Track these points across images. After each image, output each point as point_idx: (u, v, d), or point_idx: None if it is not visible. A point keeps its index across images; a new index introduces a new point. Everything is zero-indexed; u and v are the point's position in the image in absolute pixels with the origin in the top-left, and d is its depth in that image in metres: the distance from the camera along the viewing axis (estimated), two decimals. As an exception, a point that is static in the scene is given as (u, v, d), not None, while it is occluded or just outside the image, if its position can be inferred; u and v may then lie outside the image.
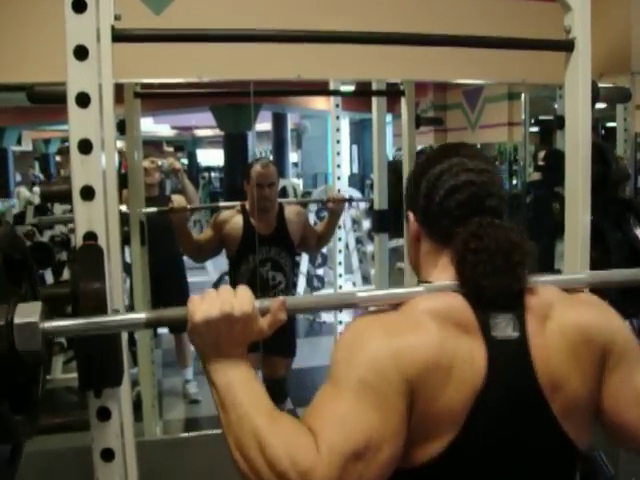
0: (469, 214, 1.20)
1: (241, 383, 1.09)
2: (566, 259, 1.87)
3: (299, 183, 11.24)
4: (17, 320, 1.09)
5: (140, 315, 1.16)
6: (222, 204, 4.16)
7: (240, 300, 1.11)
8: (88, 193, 1.24)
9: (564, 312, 1.19)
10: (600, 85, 2.00)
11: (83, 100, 1.25)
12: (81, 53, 1.25)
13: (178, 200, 3.61)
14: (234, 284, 3.09)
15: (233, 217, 3.53)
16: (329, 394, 1.09)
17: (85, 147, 1.25)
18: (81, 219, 1.26)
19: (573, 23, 1.78)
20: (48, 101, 1.53)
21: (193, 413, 4.73)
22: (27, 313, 1.10)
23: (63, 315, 1.29)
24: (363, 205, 6.84)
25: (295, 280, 3.74)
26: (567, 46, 1.79)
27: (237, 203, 3.63)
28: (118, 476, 1.29)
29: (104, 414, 1.28)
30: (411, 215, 1.30)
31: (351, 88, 4.48)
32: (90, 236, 1.24)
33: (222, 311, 1.08)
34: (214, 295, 1.11)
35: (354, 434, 1.03)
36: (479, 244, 1.16)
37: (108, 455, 1.29)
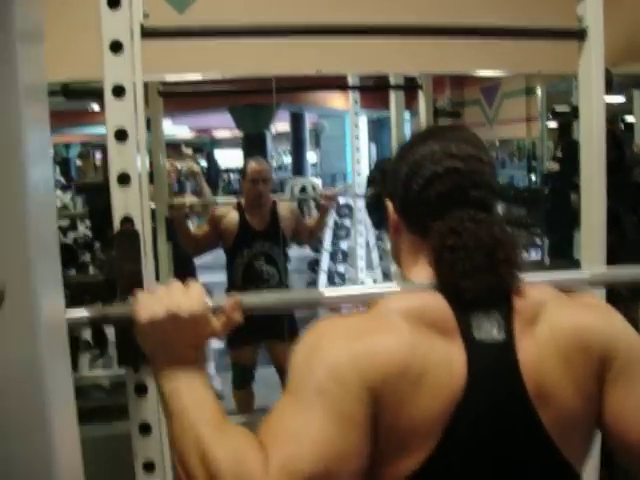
0: (450, 206, 1.09)
1: (188, 390, 1.01)
2: (582, 246, 1.91)
3: (318, 182, 11.30)
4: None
5: (82, 313, 1.09)
6: (219, 200, 4.30)
7: (190, 299, 1.03)
8: (124, 179, 1.32)
9: (557, 314, 1.06)
10: (613, 73, 2.05)
11: (118, 91, 1.33)
12: (116, 47, 1.33)
13: (180, 200, 3.77)
14: (230, 277, 3.19)
15: (229, 213, 3.69)
16: (286, 405, 0.97)
17: (121, 136, 1.32)
18: (118, 204, 1.33)
19: (585, 12, 1.83)
20: (83, 96, 1.60)
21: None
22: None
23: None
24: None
25: (287, 273, 3.83)
26: (580, 35, 1.84)
27: (232, 199, 3.78)
28: (155, 449, 1.36)
29: (141, 389, 1.35)
30: (390, 204, 1.18)
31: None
32: (127, 220, 1.32)
33: (169, 311, 1.01)
34: (162, 293, 1.04)
35: (310, 452, 0.91)
36: (457, 241, 1.05)
37: (146, 429, 1.35)
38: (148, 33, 1.52)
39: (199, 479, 0.92)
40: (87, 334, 4.35)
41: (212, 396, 1.02)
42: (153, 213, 3.28)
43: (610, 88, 1.93)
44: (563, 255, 3.22)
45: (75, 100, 1.66)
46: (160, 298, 1.03)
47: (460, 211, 1.08)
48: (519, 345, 1.03)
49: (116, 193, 1.33)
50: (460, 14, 2.37)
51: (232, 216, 3.68)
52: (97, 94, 1.40)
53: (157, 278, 3.62)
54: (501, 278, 1.05)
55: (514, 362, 1.02)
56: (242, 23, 1.79)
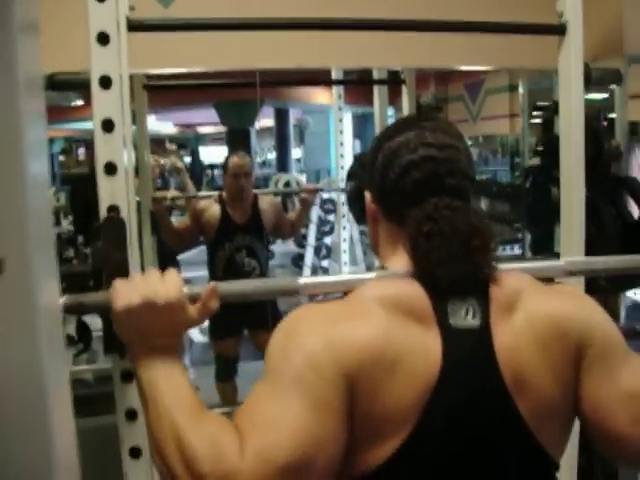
0: (427, 194, 1.09)
1: (165, 378, 1.01)
2: (562, 238, 1.94)
3: (302, 178, 11.34)
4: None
5: (57, 301, 1.07)
6: (201, 194, 4.32)
7: (166, 286, 1.04)
8: (111, 169, 1.34)
9: (534, 302, 1.07)
10: (592, 68, 2.08)
11: (105, 83, 1.34)
12: (103, 39, 1.34)
13: (162, 193, 3.79)
14: (212, 270, 3.21)
15: (210, 206, 3.73)
16: (262, 392, 0.98)
17: (108, 126, 1.34)
18: (105, 193, 1.35)
19: (565, 7, 1.86)
20: (69, 88, 1.61)
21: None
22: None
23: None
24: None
25: (268, 266, 3.88)
26: (559, 30, 1.87)
27: (214, 193, 3.80)
28: (142, 435, 1.38)
29: (127, 376, 1.37)
30: (367, 194, 1.19)
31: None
32: (113, 209, 1.33)
33: (145, 298, 1.02)
34: (139, 280, 1.05)
35: (287, 438, 0.91)
36: (433, 227, 1.05)
37: (132, 415, 1.37)
38: (134, 26, 1.53)
39: (175, 465, 0.91)
40: (71, 329, 4.35)
41: (188, 384, 1.02)
42: (138, 206, 3.29)
43: (589, 83, 1.97)
44: (544, 249, 3.26)
45: (61, 92, 1.67)
46: (136, 286, 1.03)
47: (436, 198, 1.08)
48: (495, 332, 1.03)
49: (103, 183, 1.35)
50: (443, 10, 2.40)
51: (214, 209, 3.72)
52: (83, 86, 1.41)
53: (142, 270, 3.65)
54: (477, 265, 1.05)
55: (490, 349, 1.02)
56: (226, 17, 1.81)
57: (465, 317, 1.03)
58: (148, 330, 1.03)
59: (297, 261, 7.41)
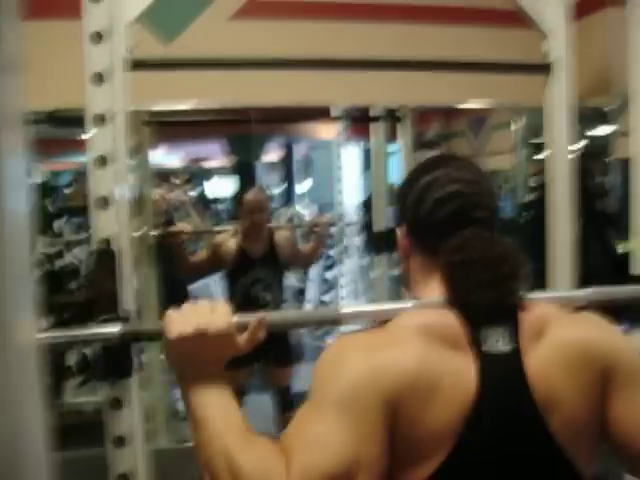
0: (456, 226, 1.14)
1: (215, 402, 1.06)
2: (550, 272, 1.98)
3: (304, 213, 11.43)
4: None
5: (115, 329, 1.16)
6: (217, 228, 4.35)
7: (217, 317, 1.08)
8: (103, 202, 1.39)
9: (561, 328, 1.11)
10: (578, 107, 2.13)
11: (100, 120, 1.40)
12: (98, 79, 1.40)
13: (181, 227, 3.81)
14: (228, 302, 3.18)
15: (227, 240, 3.74)
16: (306, 415, 1.02)
17: (101, 162, 1.40)
18: (97, 226, 1.40)
19: (550, 48, 1.92)
20: (69, 124, 1.67)
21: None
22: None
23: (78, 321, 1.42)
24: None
25: (283, 300, 3.90)
26: (545, 69, 1.93)
27: (230, 227, 3.83)
28: (129, 462, 1.41)
29: (116, 403, 1.40)
30: (400, 230, 1.24)
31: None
32: (105, 241, 1.38)
33: (197, 328, 1.06)
34: (191, 310, 1.09)
35: (330, 459, 0.95)
36: (463, 257, 1.10)
37: (120, 442, 1.40)
38: (133, 65, 1.60)
39: None
40: (71, 360, 4.38)
41: (236, 407, 1.07)
42: (139, 239, 3.35)
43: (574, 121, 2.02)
44: (542, 286, 3.27)
45: (61, 127, 1.73)
46: (189, 316, 1.07)
47: (465, 230, 1.13)
48: (525, 357, 1.07)
49: (96, 216, 1.39)
50: (435, 50, 2.47)
51: (230, 243, 3.75)
52: (81, 122, 1.47)
53: (143, 301, 3.70)
54: (505, 293, 1.09)
55: (521, 372, 1.06)
56: (224, 55, 1.87)
57: (497, 343, 1.07)
58: (198, 357, 1.07)
59: (298, 296, 7.43)
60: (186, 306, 1.10)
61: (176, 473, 2.47)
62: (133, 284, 1.50)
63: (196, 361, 1.07)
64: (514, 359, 1.07)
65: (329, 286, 7.32)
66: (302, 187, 14.08)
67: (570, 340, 1.10)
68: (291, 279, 8.43)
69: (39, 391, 0.90)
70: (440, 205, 1.16)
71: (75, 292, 4.82)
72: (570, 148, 1.96)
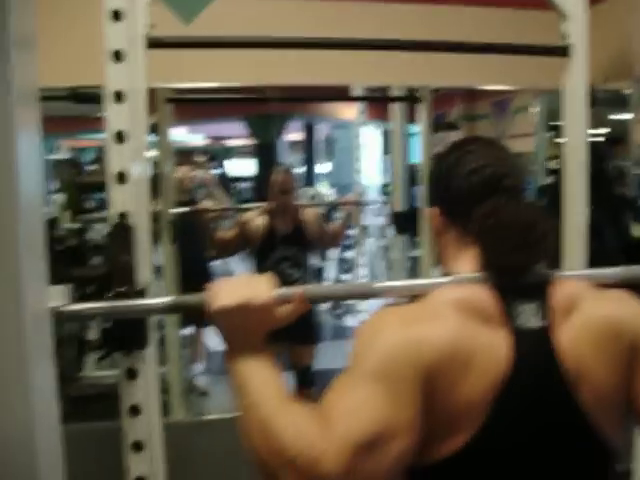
0: (487, 195, 1.18)
1: (257, 371, 1.10)
2: (565, 254, 1.99)
3: (327, 192, 11.43)
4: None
5: (162, 300, 1.21)
6: (246, 206, 4.39)
7: (259, 290, 1.12)
8: (122, 178, 1.42)
9: (591, 305, 1.15)
10: (598, 89, 2.13)
11: (118, 97, 1.43)
12: (117, 57, 1.43)
13: (207, 205, 3.86)
14: None
15: (254, 218, 3.78)
16: (345, 383, 1.07)
17: (119, 138, 1.43)
18: (115, 200, 1.43)
19: (569, 30, 1.91)
20: (90, 101, 1.70)
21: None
22: (54, 296, 1.08)
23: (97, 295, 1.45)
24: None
25: (311, 276, 3.95)
26: (564, 51, 1.92)
27: (260, 205, 3.87)
28: (144, 430, 1.46)
29: (132, 374, 1.45)
30: (433, 210, 1.29)
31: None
32: (122, 216, 1.42)
33: (239, 300, 1.09)
34: (234, 283, 1.13)
35: (367, 424, 1.01)
36: (495, 222, 1.14)
37: (135, 411, 1.45)
38: (152, 43, 1.62)
39: (268, 449, 1.02)
40: (93, 334, 4.45)
41: (277, 376, 1.11)
42: (158, 216, 3.40)
43: (593, 104, 2.01)
44: (558, 266, 3.27)
45: (83, 104, 1.76)
46: (232, 289, 1.11)
47: (496, 197, 1.17)
48: (557, 332, 1.11)
49: (114, 191, 1.43)
50: (455, 32, 2.46)
51: (258, 221, 3.81)
52: (102, 99, 1.50)
53: (160, 277, 3.75)
54: (537, 255, 1.14)
55: (552, 347, 1.10)
56: (241, 35, 1.88)
57: (529, 319, 1.11)
58: (241, 328, 1.11)
59: (317, 275, 7.46)
60: (230, 279, 1.14)
61: (190, 445, 2.53)
62: (149, 258, 1.54)
63: (239, 332, 1.11)
64: (545, 335, 1.11)
65: (348, 266, 7.35)
66: (323, 167, 14.10)
67: (599, 316, 1.13)
68: (312, 258, 8.45)
69: (51, 358, 0.94)
70: (470, 176, 1.21)
71: (97, 267, 4.87)
72: (586, 131, 1.96)
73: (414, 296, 1.18)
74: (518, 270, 1.14)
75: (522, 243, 1.12)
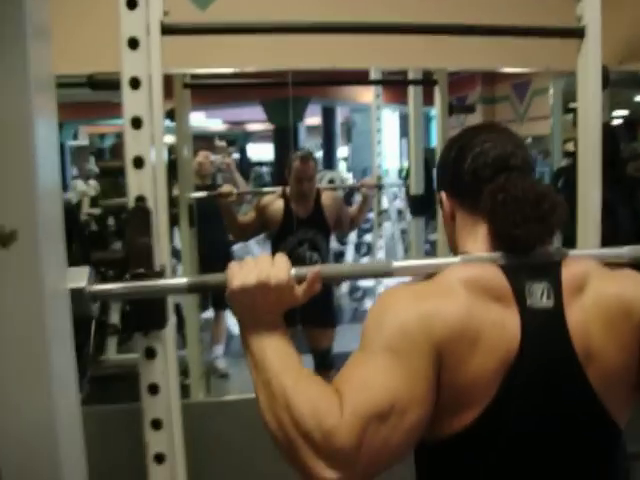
0: (495, 174, 1.21)
1: (273, 347, 1.12)
2: (578, 233, 2.00)
3: (346, 176, 11.44)
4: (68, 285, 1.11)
5: (182, 280, 1.25)
6: (265, 189, 4.42)
7: (277, 269, 1.14)
8: (139, 162, 1.46)
9: (602, 283, 1.17)
10: (612, 70, 2.12)
11: (135, 83, 1.46)
12: (133, 43, 1.46)
13: (227, 188, 3.89)
14: None
15: (274, 201, 3.82)
16: (358, 358, 1.10)
17: (136, 123, 1.46)
18: (133, 185, 1.47)
19: (584, 11, 1.91)
20: (107, 87, 1.73)
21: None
22: (76, 277, 1.13)
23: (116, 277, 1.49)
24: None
25: (330, 259, 3.97)
26: (579, 33, 1.92)
27: (278, 189, 3.89)
28: (163, 408, 1.50)
29: (150, 352, 1.49)
30: (443, 194, 1.32)
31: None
32: (140, 199, 1.45)
33: (258, 279, 1.12)
34: (252, 263, 1.15)
35: (379, 397, 1.03)
36: (506, 195, 1.16)
37: (154, 389, 1.49)
38: (167, 30, 1.65)
39: (284, 422, 1.04)
40: (115, 317, 4.52)
41: (293, 352, 1.14)
42: (177, 200, 3.44)
43: (607, 85, 2.01)
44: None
45: (100, 90, 1.79)
46: (250, 268, 1.14)
47: (505, 174, 1.20)
48: (567, 311, 1.13)
49: (131, 175, 1.47)
50: (469, 14, 2.46)
51: (277, 204, 3.83)
52: (119, 85, 1.53)
53: (179, 260, 3.78)
54: (549, 227, 1.16)
55: (563, 326, 1.12)
56: (257, 21, 1.90)
57: (540, 298, 1.13)
58: (258, 307, 1.14)
59: (338, 258, 7.49)
60: (248, 259, 1.17)
61: (209, 425, 2.58)
62: (167, 241, 1.57)
63: (256, 310, 1.14)
64: (556, 313, 1.13)
65: (367, 249, 7.38)
66: (343, 151, 14.09)
67: (610, 295, 1.15)
68: (331, 242, 8.49)
69: (70, 339, 0.98)
70: (478, 158, 1.24)
71: (117, 251, 4.91)
72: (600, 113, 1.96)
73: (428, 276, 1.20)
74: (530, 242, 1.16)
75: (533, 216, 1.14)
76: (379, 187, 4.71)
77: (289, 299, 1.16)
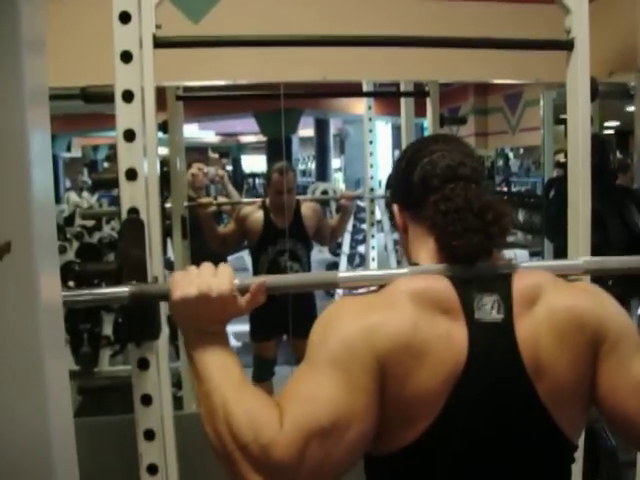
0: (443, 183, 1.19)
1: (215, 359, 1.11)
2: (569, 245, 2.01)
3: (339, 188, 11.46)
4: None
5: (124, 289, 1.23)
6: (245, 200, 4.44)
7: (219, 279, 1.12)
8: (132, 174, 1.47)
9: (554, 297, 1.14)
10: (601, 82, 2.14)
11: (127, 96, 1.48)
12: (126, 57, 1.48)
13: (205, 199, 3.91)
14: (256, 273, 3.35)
15: (254, 212, 3.84)
16: (301, 372, 1.08)
17: (129, 136, 1.48)
18: (126, 196, 1.48)
19: (572, 24, 1.93)
20: (100, 100, 1.74)
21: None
22: None
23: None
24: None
25: (310, 269, 3.98)
26: (567, 46, 1.94)
27: (258, 200, 3.90)
28: (155, 419, 1.50)
29: (143, 364, 1.49)
30: (395, 207, 1.30)
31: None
32: (133, 211, 1.46)
33: (199, 290, 1.10)
34: (195, 273, 1.13)
35: (320, 410, 1.01)
36: (449, 205, 1.15)
37: (147, 400, 1.49)
38: (160, 43, 1.66)
39: (223, 434, 1.03)
40: (108, 329, 4.51)
41: (235, 363, 1.12)
42: (170, 212, 3.45)
43: (595, 97, 2.03)
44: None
45: (93, 103, 1.81)
46: (192, 279, 1.12)
47: (452, 184, 1.19)
48: (517, 324, 1.11)
49: (124, 187, 1.48)
50: (460, 27, 2.49)
51: (257, 215, 3.84)
52: (112, 98, 1.55)
53: (177, 271, 3.78)
54: (492, 237, 1.14)
55: (513, 340, 1.10)
56: (248, 34, 1.92)
57: (490, 312, 1.11)
58: (201, 317, 1.12)
59: (332, 269, 7.50)
60: (191, 269, 1.15)
61: (201, 437, 2.56)
62: (161, 253, 1.58)
63: (199, 321, 1.12)
64: (505, 327, 1.10)
65: (360, 260, 7.39)
66: (337, 162, 14.12)
67: (562, 308, 1.13)
68: (325, 253, 8.51)
69: (63, 351, 0.98)
70: (426, 167, 1.23)
71: (111, 262, 4.91)
72: (589, 124, 1.98)
73: (377, 287, 1.19)
74: (471, 253, 1.14)
75: (474, 226, 1.13)
76: (360, 198, 4.71)
77: (232, 310, 1.15)
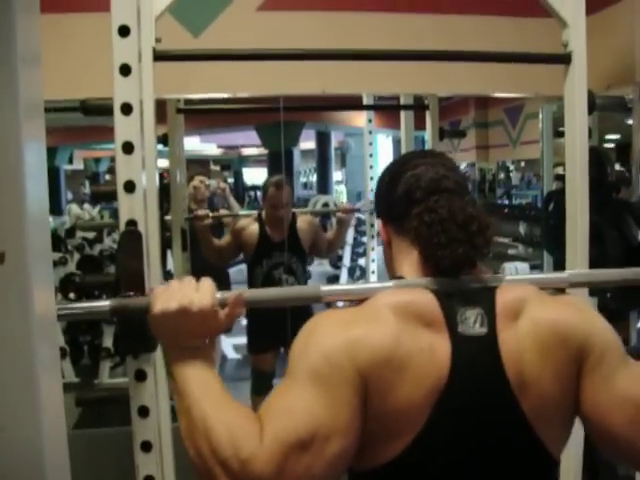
0: (428, 196, 1.19)
1: (195, 373, 1.09)
2: (567, 256, 2.02)
3: (340, 200, 11.48)
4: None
5: (105, 303, 1.21)
6: (241, 213, 4.45)
7: (201, 294, 1.11)
8: (130, 187, 1.47)
9: (538, 310, 1.13)
10: (599, 95, 2.15)
11: (126, 109, 1.49)
12: (125, 70, 1.49)
13: (202, 211, 3.92)
14: (251, 286, 3.32)
15: (250, 225, 3.84)
16: (283, 386, 1.07)
17: (128, 148, 1.48)
18: (124, 209, 1.49)
19: (570, 38, 1.94)
20: (99, 113, 1.75)
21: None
22: None
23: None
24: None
25: (305, 283, 3.98)
26: (565, 59, 1.96)
27: (254, 212, 3.93)
28: (152, 431, 1.50)
29: (141, 376, 1.49)
30: (380, 222, 1.31)
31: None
32: (131, 223, 1.47)
33: (180, 304, 1.09)
34: (176, 287, 1.12)
35: (301, 424, 1.00)
36: (433, 216, 1.15)
37: (144, 412, 1.49)
38: (160, 56, 1.68)
39: (203, 449, 1.00)
40: (108, 341, 4.52)
41: (216, 378, 1.11)
42: (170, 224, 3.46)
43: (592, 110, 2.04)
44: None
45: (93, 116, 1.82)
46: (173, 293, 1.11)
47: (435, 196, 1.19)
48: (501, 338, 1.10)
49: (122, 199, 1.48)
50: (460, 41, 2.51)
51: (252, 228, 3.85)
52: (112, 110, 1.56)
53: (166, 280, 3.79)
54: (476, 247, 1.14)
55: (496, 354, 1.09)
56: (248, 47, 1.94)
57: (474, 325, 1.10)
58: (181, 332, 1.11)
59: (332, 281, 7.51)
60: (172, 283, 1.14)
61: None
62: (159, 265, 1.58)
63: (179, 335, 1.11)
64: (489, 341, 1.09)
65: (361, 272, 7.40)
66: (338, 175, 14.16)
67: (545, 321, 1.12)
68: (325, 266, 8.53)
69: (58, 363, 0.97)
70: (409, 180, 1.23)
71: (110, 274, 4.90)
72: (587, 137, 1.99)
73: (360, 300, 1.17)
74: (456, 264, 1.14)
75: (459, 237, 1.13)
76: (358, 211, 4.70)
77: (213, 324, 1.13)
